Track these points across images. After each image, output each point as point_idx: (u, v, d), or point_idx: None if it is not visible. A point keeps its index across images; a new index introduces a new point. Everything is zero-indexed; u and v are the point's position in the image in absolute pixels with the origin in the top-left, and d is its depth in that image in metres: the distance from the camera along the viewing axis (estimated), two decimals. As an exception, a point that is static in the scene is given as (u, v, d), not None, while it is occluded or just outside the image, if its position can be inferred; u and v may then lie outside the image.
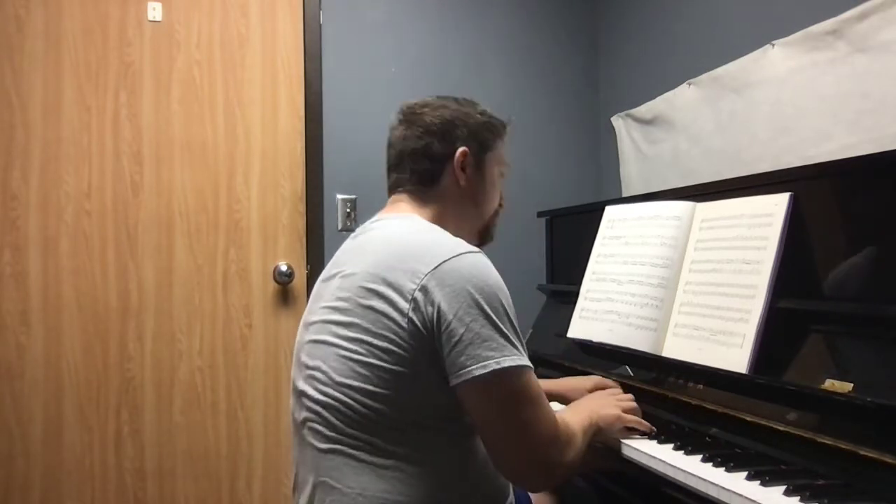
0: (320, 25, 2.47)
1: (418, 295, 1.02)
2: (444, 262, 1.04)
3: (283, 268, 2.40)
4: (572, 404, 1.32)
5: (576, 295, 1.73)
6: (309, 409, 1.10)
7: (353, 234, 1.24)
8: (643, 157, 2.47)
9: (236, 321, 2.39)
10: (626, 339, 1.51)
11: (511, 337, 1.03)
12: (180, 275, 2.34)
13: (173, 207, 2.34)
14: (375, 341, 1.04)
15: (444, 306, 1.01)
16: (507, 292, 1.07)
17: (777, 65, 1.84)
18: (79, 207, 2.26)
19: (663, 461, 1.13)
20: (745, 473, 1.02)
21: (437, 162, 1.23)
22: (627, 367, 1.54)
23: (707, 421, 1.27)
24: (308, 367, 1.12)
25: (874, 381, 1.04)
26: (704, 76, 2.13)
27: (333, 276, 1.16)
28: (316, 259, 2.43)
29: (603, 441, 1.25)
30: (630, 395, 1.34)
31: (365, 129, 2.50)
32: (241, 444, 2.38)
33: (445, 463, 1.06)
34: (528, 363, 1.04)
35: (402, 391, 1.03)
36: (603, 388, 1.43)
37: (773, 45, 1.84)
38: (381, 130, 2.53)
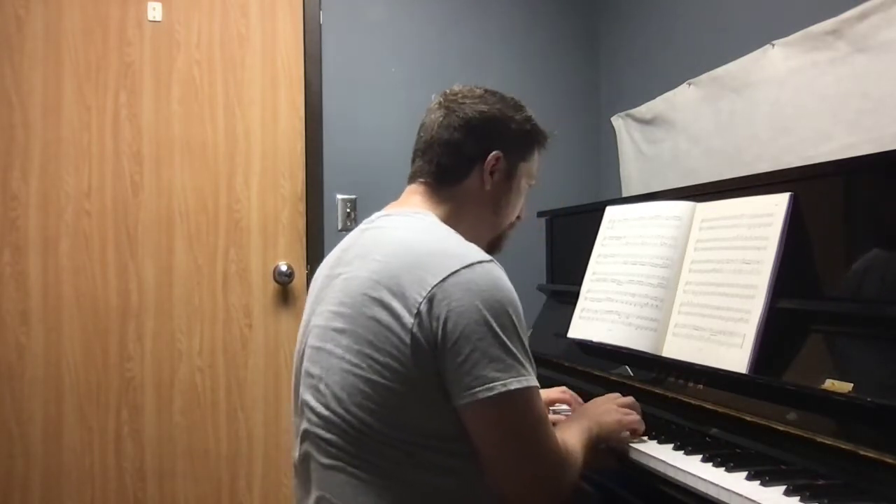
0: (320, 25, 2.47)
1: (423, 307, 0.97)
2: (453, 273, 0.99)
3: (283, 268, 2.40)
4: (575, 414, 1.28)
5: (576, 295, 1.73)
6: (311, 421, 1.07)
7: (359, 227, 1.19)
8: (643, 157, 2.47)
9: (236, 321, 2.39)
10: (626, 339, 1.51)
11: (518, 355, 0.99)
12: (180, 275, 2.34)
13: (173, 207, 2.34)
14: (377, 356, 1.00)
15: (450, 322, 0.96)
16: (518, 304, 1.02)
17: (777, 65, 1.83)
18: (79, 207, 2.26)
19: (663, 461, 1.13)
20: (745, 473, 1.02)
21: (466, 160, 1.16)
22: (627, 367, 1.54)
23: (707, 421, 1.27)
24: (311, 376, 1.09)
25: (874, 381, 1.04)
26: (704, 76, 2.12)
27: (337, 275, 1.11)
28: (316, 259, 2.42)
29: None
30: (631, 398, 1.31)
31: (365, 129, 2.50)
32: (241, 444, 2.37)
33: (449, 484, 1.02)
34: (535, 383, 1.00)
35: (400, 410, 1.00)
36: (562, 400, 1.44)
37: (773, 45, 1.84)
38: (382, 130, 2.56)
